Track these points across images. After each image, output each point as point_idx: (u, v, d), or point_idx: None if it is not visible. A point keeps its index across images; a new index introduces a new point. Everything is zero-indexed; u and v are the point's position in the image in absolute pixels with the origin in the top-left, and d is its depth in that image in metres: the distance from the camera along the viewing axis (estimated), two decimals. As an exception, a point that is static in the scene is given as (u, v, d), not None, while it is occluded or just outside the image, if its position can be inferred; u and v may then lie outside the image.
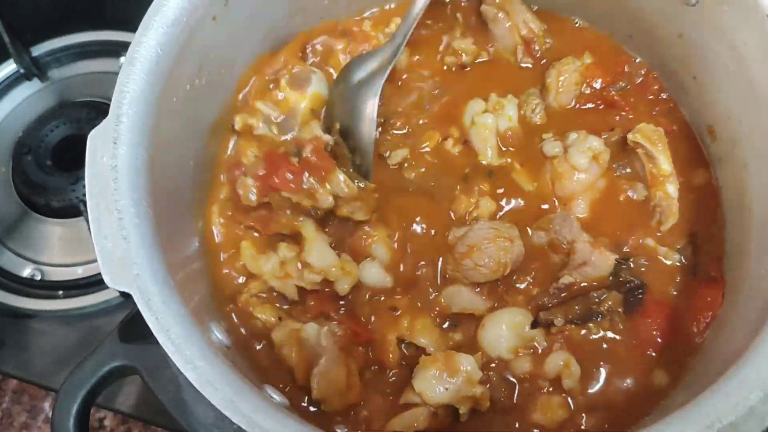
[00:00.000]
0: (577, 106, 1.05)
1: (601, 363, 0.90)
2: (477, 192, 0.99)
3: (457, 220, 0.98)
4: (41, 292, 1.20)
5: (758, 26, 0.84)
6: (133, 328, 0.81)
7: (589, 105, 1.05)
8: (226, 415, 0.67)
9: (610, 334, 0.92)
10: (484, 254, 0.91)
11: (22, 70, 1.37)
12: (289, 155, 0.94)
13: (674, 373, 0.89)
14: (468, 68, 1.08)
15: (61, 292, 1.20)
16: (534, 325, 0.91)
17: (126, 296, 0.75)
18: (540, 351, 0.91)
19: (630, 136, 0.97)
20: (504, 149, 1.02)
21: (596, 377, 0.90)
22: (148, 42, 0.80)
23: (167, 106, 0.83)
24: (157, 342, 0.69)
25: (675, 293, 0.94)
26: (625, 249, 0.96)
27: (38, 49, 1.39)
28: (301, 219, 0.94)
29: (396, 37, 1.01)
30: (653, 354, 0.91)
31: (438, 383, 0.85)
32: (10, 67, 1.38)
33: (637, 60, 1.07)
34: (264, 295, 0.94)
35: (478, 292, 0.93)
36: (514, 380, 0.90)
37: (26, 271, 1.24)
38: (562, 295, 0.93)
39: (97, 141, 0.77)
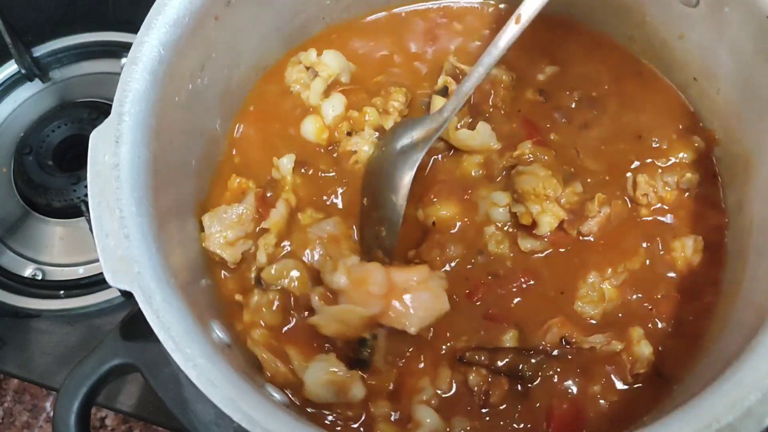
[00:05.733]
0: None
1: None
2: None
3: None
4: (42, 292, 1.20)
5: (758, 27, 0.84)
6: (135, 326, 0.82)
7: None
8: (227, 413, 0.67)
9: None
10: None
11: (23, 71, 1.37)
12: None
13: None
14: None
15: (62, 292, 1.20)
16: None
17: (127, 296, 0.75)
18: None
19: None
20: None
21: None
22: (151, 42, 0.81)
23: (169, 105, 0.83)
24: (158, 340, 0.70)
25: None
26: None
27: (40, 50, 1.39)
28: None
29: (445, 109, 0.92)
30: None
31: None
32: (11, 67, 1.38)
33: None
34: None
35: None
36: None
37: (27, 271, 1.24)
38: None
39: (99, 139, 0.77)
